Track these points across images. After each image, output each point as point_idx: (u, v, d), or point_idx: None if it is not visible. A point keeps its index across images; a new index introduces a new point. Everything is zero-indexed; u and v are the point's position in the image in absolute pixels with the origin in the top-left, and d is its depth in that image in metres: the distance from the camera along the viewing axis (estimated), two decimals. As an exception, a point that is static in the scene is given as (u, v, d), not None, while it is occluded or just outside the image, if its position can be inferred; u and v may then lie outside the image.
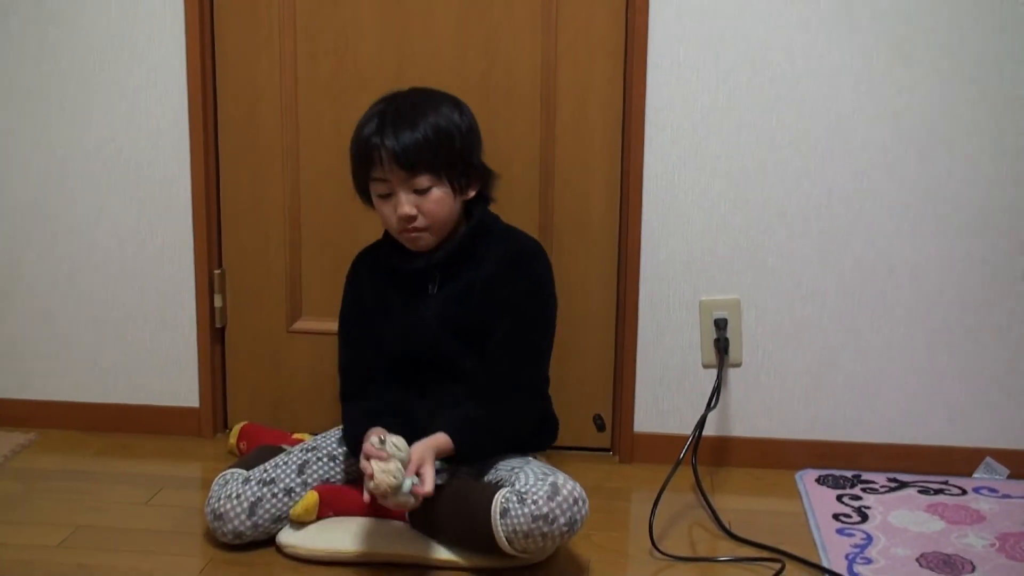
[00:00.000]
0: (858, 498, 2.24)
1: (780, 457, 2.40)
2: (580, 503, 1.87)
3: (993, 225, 2.31)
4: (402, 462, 1.84)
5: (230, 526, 1.98)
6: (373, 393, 2.10)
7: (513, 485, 1.91)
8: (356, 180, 2.07)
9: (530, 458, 2.08)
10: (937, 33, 2.25)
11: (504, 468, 2.03)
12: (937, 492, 2.27)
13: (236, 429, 2.43)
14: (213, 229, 2.50)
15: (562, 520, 1.84)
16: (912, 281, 2.34)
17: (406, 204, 1.98)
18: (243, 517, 1.98)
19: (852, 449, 2.40)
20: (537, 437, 2.20)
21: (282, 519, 2.02)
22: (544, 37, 2.35)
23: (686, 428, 2.31)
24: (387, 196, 2.01)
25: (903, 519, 2.15)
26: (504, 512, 1.85)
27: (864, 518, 2.15)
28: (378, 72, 2.38)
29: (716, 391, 2.33)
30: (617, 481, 2.37)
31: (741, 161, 2.33)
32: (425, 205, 1.99)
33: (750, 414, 2.42)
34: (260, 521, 1.99)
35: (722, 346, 2.37)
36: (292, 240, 2.49)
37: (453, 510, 1.94)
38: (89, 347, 2.57)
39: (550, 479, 1.89)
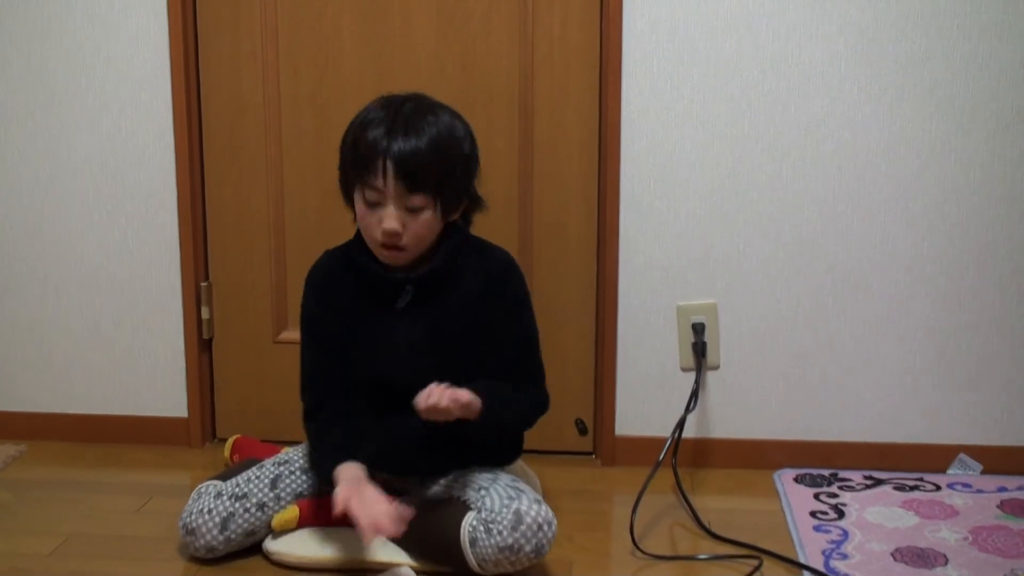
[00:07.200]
0: (835, 496, 2.28)
1: (758, 457, 2.44)
2: (545, 527, 1.88)
3: (963, 226, 2.35)
4: None
5: (202, 541, 1.98)
6: (343, 412, 2.02)
7: (479, 512, 1.91)
8: (345, 179, 1.99)
9: (499, 473, 2.04)
10: (902, 41, 2.30)
11: (472, 488, 1.99)
12: (912, 488, 2.32)
13: (229, 443, 2.43)
14: (199, 242, 2.53)
15: (528, 548, 1.86)
16: (884, 282, 2.39)
17: (395, 219, 1.91)
18: (215, 532, 1.98)
19: (829, 448, 2.44)
20: (511, 449, 2.16)
21: (254, 533, 2.03)
22: (521, 49, 2.39)
23: (666, 431, 2.35)
24: (375, 205, 1.92)
25: (879, 515, 2.19)
26: (473, 542, 1.88)
27: (840, 515, 2.19)
28: (359, 85, 2.41)
29: (695, 394, 2.37)
30: (599, 484, 2.41)
31: (716, 167, 2.37)
32: (413, 226, 1.93)
33: (728, 416, 2.46)
34: (232, 536, 2.00)
35: (700, 350, 2.41)
36: (277, 252, 2.53)
37: (426, 533, 1.94)
38: (78, 360, 2.59)
39: (514, 505, 1.88)
